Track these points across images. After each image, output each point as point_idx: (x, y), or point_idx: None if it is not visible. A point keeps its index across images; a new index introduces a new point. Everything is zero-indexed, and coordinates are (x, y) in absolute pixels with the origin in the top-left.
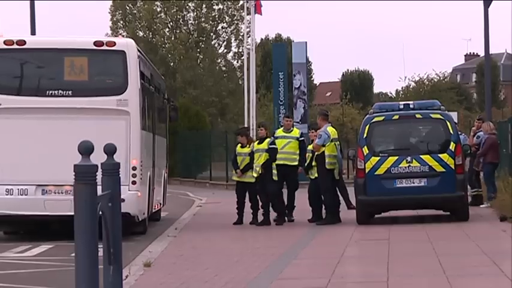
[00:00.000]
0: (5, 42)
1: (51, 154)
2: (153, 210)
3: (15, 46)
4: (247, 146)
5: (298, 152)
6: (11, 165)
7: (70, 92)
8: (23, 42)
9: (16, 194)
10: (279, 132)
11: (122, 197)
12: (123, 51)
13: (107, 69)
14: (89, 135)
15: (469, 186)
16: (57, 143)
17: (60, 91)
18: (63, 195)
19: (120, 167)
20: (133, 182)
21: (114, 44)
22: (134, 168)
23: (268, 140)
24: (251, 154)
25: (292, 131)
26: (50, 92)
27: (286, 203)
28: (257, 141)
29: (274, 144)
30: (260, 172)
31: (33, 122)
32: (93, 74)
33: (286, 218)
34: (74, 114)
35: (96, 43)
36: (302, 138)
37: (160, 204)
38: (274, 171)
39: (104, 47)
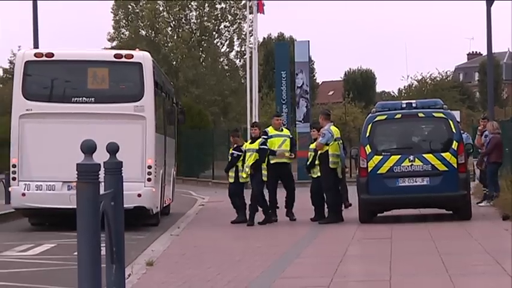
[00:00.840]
0: (35, 55)
1: (75, 154)
2: (164, 205)
3: (44, 58)
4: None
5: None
6: (40, 164)
7: (93, 99)
8: (51, 55)
9: (45, 189)
10: (272, 131)
11: (138, 192)
12: (140, 63)
13: (125, 78)
14: (109, 138)
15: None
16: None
17: (84, 98)
18: None
19: (137, 166)
20: (149, 179)
21: (132, 56)
22: (149, 167)
23: (259, 140)
24: (231, 155)
25: (282, 129)
26: (75, 99)
27: (285, 202)
28: (249, 141)
29: (265, 145)
30: (250, 172)
31: (60, 126)
32: (113, 83)
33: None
34: (96, 119)
35: (116, 55)
36: (292, 136)
37: (170, 199)
38: (264, 172)
39: (123, 59)
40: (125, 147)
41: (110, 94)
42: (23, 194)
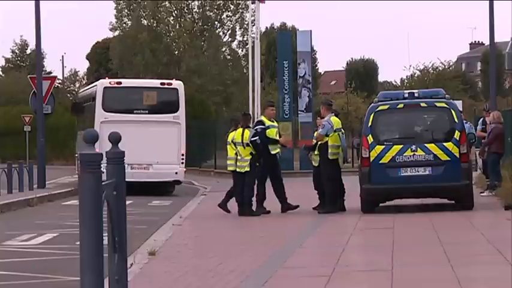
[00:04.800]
0: (109, 83)
1: (136, 146)
2: None
3: (115, 85)
4: None
5: None
6: None
7: (147, 111)
8: (120, 83)
9: None
10: (268, 121)
11: (176, 171)
12: (177, 88)
13: (167, 98)
14: (157, 137)
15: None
16: (139, 140)
17: (141, 111)
18: (142, 169)
19: (175, 154)
20: (182, 162)
21: (171, 84)
22: (182, 155)
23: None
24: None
25: (273, 120)
26: (135, 111)
27: (278, 195)
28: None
29: (256, 136)
30: (247, 169)
31: (126, 128)
32: (160, 101)
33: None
34: (148, 124)
35: (161, 83)
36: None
37: None
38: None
39: (166, 86)
40: (167, 142)
41: (158, 108)
42: None
